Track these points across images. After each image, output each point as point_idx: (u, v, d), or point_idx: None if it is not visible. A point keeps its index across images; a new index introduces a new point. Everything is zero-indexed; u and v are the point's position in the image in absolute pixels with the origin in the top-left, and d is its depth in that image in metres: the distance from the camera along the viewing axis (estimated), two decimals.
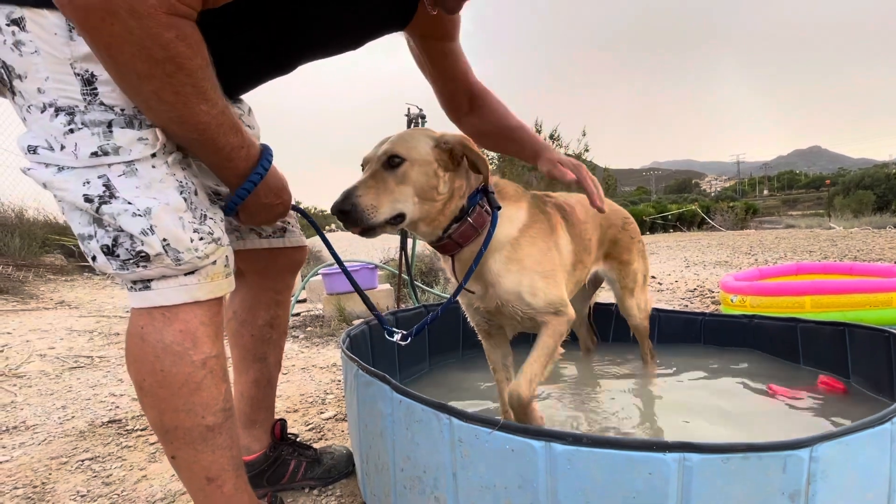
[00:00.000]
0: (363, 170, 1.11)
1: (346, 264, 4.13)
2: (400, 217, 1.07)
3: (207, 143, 0.82)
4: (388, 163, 1.07)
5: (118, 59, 0.71)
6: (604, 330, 2.10)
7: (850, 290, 2.63)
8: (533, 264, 1.19)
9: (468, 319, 1.38)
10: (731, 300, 2.97)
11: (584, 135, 5.29)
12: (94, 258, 0.83)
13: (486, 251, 1.15)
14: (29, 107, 0.78)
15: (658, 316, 2.09)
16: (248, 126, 1.22)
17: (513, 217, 1.22)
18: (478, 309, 1.28)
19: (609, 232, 1.61)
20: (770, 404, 1.47)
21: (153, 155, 0.82)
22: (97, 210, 0.79)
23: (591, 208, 1.49)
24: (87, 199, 0.79)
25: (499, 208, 1.18)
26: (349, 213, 1.01)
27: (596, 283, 1.79)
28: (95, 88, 0.78)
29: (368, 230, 1.05)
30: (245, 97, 1.21)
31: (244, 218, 0.98)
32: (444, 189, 1.11)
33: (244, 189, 0.90)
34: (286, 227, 1.29)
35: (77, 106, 0.77)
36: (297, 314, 4.10)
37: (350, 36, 1.10)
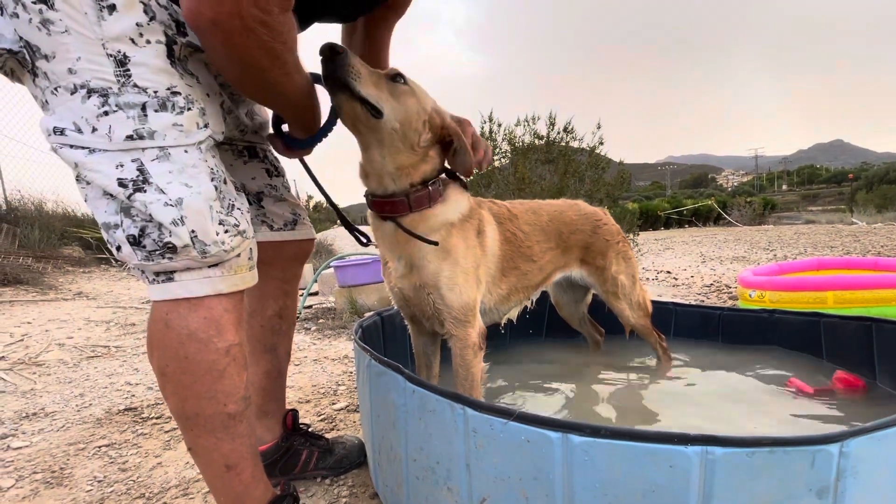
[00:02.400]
0: None
1: (356, 259, 4.11)
2: (376, 111, 1.02)
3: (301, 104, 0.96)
4: (392, 77, 1.06)
5: (249, 62, 0.80)
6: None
7: (875, 285, 2.55)
8: (458, 257, 1.18)
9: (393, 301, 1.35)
10: (750, 295, 2.91)
11: (598, 128, 5.21)
12: (118, 248, 0.82)
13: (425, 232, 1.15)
14: (56, 88, 0.76)
15: (675, 310, 2.05)
16: (255, 113, 1.21)
17: (457, 204, 1.21)
18: (396, 290, 1.26)
19: (574, 237, 1.58)
20: (792, 400, 1.43)
21: (186, 137, 0.81)
22: (129, 197, 0.78)
23: (544, 216, 1.51)
24: (121, 184, 0.77)
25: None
26: (342, 54, 0.95)
27: (584, 287, 1.75)
28: (128, 70, 0.77)
29: (341, 84, 0.98)
30: None
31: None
32: (422, 144, 1.11)
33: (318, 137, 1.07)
34: (297, 219, 1.28)
35: (110, 88, 0.76)
36: (310, 307, 4.12)
37: None
